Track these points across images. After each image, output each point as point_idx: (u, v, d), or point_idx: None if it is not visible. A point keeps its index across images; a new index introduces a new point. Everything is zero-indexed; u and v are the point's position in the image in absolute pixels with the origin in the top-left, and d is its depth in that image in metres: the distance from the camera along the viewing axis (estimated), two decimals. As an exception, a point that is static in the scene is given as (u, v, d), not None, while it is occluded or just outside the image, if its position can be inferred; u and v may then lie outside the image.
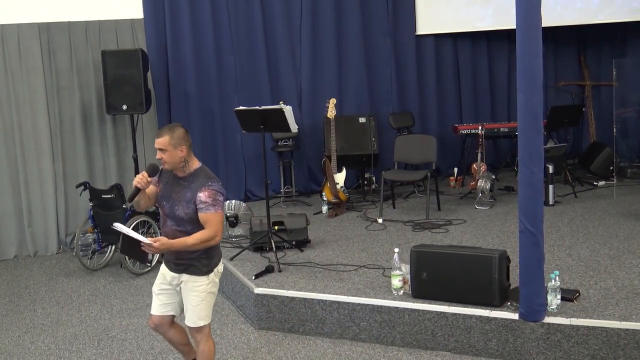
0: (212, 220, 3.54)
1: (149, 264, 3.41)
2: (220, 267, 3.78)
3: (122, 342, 4.93)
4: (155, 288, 3.84)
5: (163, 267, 3.82)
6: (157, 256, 3.48)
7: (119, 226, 3.56)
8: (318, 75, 8.58)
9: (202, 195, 3.52)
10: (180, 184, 3.64)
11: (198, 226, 3.58)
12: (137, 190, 3.61)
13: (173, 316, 3.87)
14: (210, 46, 8.07)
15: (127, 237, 3.59)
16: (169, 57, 7.94)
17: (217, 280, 3.77)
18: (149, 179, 3.62)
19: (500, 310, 4.27)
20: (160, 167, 3.74)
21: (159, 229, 6.73)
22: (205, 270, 3.68)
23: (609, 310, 4.15)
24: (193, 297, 3.68)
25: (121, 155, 7.78)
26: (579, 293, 4.44)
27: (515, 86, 4.02)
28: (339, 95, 8.48)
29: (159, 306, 3.82)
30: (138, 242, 3.51)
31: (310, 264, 5.56)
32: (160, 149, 3.57)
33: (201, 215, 3.54)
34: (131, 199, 3.64)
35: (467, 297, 4.40)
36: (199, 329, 3.73)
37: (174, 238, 3.58)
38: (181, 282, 3.71)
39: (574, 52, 9.83)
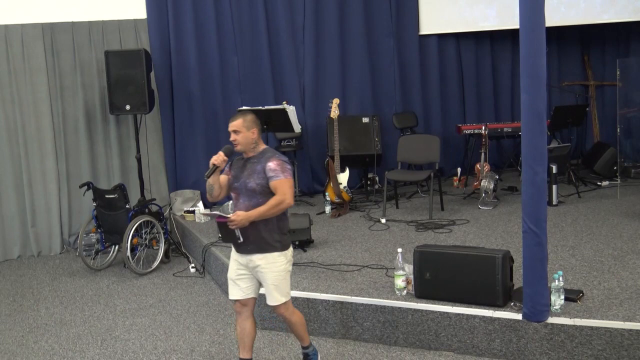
0: (282, 185, 3.81)
1: (239, 240, 3.66)
2: (292, 249, 4.02)
3: (125, 342, 4.94)
4: (231, 275, 4.03)
5: (234, 254, 4.01)
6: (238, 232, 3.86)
7: (202, 212, 3.76)
8: (321, 75, 8.58)
9: (272, 164, 3.83)
10: (251, 162, 3.93)
11: (267, 198, 3.83)
12: (215, 168, 3.87)
13: (255, 298, 4.06)
14: (213, 46, 8.07)
15: (221, 226, 3.85)
16: (172, 57, 7.94)
17: (292, 259, 4.01)
18: (225, 158, 3.89)
19: (504, 311, 4.27)
20: (230, 160, 4.00)
21: (162, 229, 6.77)
22: (281, 247, 3.91)
23: (612, 311, 4.14)
24: (273, 276, 3.90)
25: (124, 155, 7.79)
26: (583, 293, 4.43)
27: (519, 86, 4.02)
28: (342, 95, 8.47)
29: (239, 291, 4.01)
30: (226, 225, 3.77)
31: (313, 264, 5.56)
32: (234, 131, 3.88)
33: (272, 183, 3.82)
34: (208, 175, 3.89)
35: (470, 297, 4.40)
36: (282, 306, 3.97)
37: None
38: (258, 265, 3.89)
39: (577, 52, 9.82)
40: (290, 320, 4.05)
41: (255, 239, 3.86)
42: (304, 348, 4.25)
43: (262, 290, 4.12)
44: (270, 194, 3.83)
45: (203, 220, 7.34)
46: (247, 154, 3.96)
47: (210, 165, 3.88)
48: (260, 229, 3.85)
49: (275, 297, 3.93)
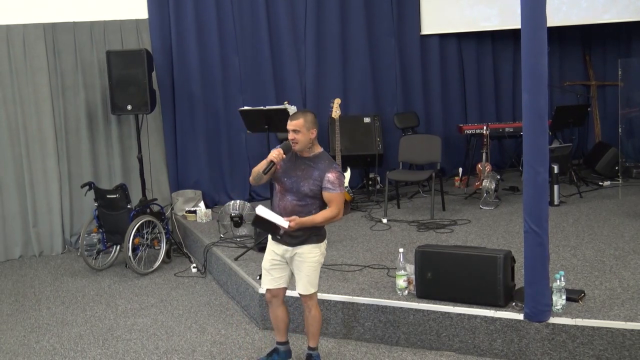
0: (337, 199, 3.93)
1: (278, 237, 4.01)
2: (326, 241, 4.14)
3: (126, 342, 4.94)
4: (265, 264, 4.17)
5: (271, 244, 4.14)
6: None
7: (260, 210, 3.91)
8: (322, 75, 8.58)
9: (331, 176, 3.92)
10: (305, 163, 3.99)
11: (316, 201, 3.97)
12: (273, 165, 3.95)
13: (285, 288, 4.21)
14: (215, 46, 8.08)
15: (262, 220, 3.94)
16: (174, 57, 7.94)
17: (325, 252, 4.14)
18: (284, 155, 3.95)
19: (505, 311, 4.27)
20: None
21: (164, 229, 6.77)
22: (317, 240, 4.04)
23: (614, 311, 4.14)
24: (307, 267, 4.03)
25: (126, 155, 7.79)
26: (584, 293, 4.43)
27: (521, 86, 4.02)
28: (344, 95, 8.47)
29: (272, 280, 4.16)
30: (269, 221, 3.91)
31: (314, 264, 5.56)
32: (295, 130, 3.92)
33: (327, 195, 3.93)
34: (266, 171, 3.96)
35: (471, 298, 4.40)
36: (311, 296, 4.11)
37: (292, 211, 3.95)
38: (295, 254, 4.03)
39: (579, 52, 9.80)
40: (312, 312, 4.15)
41: (295, 231, 3.96)
42: (309, 348, 4.27)
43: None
44: (320, 198, 3.96)
45: (204, 220, 7.35)
46: (302, 153, 4.01)
47: (268, 162, 3.94)
48: (302, 228, 3.96)
49: (306, 287, 4.07)
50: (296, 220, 3.87)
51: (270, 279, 4.16)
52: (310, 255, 4.03)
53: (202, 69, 8.05)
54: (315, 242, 4.03)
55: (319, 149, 4.05)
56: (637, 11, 8.46)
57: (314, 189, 3.92)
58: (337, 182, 3.91)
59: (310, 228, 3.97)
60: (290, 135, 3.94)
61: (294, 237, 4.00)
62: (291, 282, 4.23)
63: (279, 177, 4.04)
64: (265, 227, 4.02)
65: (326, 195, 3.92)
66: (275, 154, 3.92)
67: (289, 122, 3.96)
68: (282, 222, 3.88)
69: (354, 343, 4.68)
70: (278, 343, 4.38)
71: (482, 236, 6.14)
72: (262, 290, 4.26)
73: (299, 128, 3.91)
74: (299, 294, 4.14)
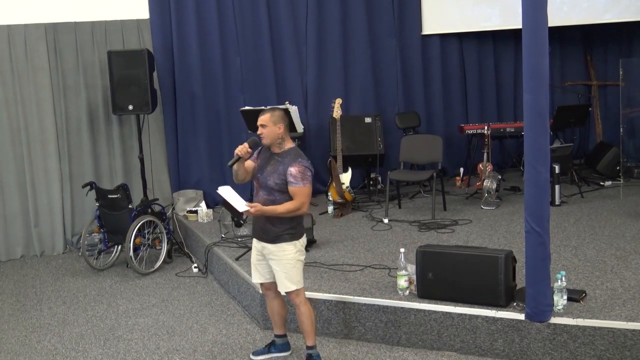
0: (300, 193, 4.00)
1: (242, 222, 4.38)
2: (304, 239, 4.21)
3: (128, 342, 4.94)
4: (252, 260, 4.32)
5: (254, 241, 4.27)
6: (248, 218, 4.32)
7: (223, 190, 4.01)
8: (324, 75, 8.58)
9: (293, 170, 3.99)
10: (275, 159, 4.10)
11: (284, 196, 4.03)
12: (238, 158, 4.06)
13: (275, 282, 4.25)
14: (216, 46, 8.08)
15: (229, 205, 4.04)
16: (175, 57, 7.95)
17: (303, 249, 4.19)
18: (249, 149, 4.06)
19: (507, 311, 4.26)
20: (260, 147, 4.21)
21: (165, 229, 6.77)
22: (290, 238, 4.09)
23: (615, 311, 4.14)
24: (283, 265, 4.11)
25: (127, 155, 7.80)
26: (586, 293, 4.42)
27: (522, 86, 4.02)
28: (345, 95, 8.47)
29: (259, 275, 4.30)
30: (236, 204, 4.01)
31: (315, 264, 5.56)
32: (262, 125, 4.06)
33: (290, 189, 4.01)
34: (231, 165, 4.10)
35: (473, 298, 4.40)
36: (297, 293, 4.16)
37: (264, 205, 4.04)
38: (271, 252, 4.13)
39: (580, 52, 9.80)
40: (300, 309, 4.20)
41: (268, 228, 4.09)
42: (308, 348, 4.29)
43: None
44: (287, 192, 4.02)
45: (205, 220, 7.35)
46: (273, 148, 4.13)
47: (235, 155, 4.05)
48: (273, 221, 4.06)
49: (284, 285, 4.14)
50: (257, 207, 3.97)
51: (258, 274, 4.31)
52: (285, 252, 4.09)
53: (203, 68, 8.05)
54: (289, 240, 4.09)
55: (289, 145, 4.14)
56: (638, 11, 8.45)
57: (279, 183, 4.01)
58: (299, 176, 3.98)
59: (282, 227, 4.05)
60: (259, 130, 4.08)
61: (266, 233, 4.10)
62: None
63: (255, 174, 4.17)
64: (231, 210, 4.10)
65: (290, 189, 4.00)
66: (240, 147, 4.04)
67: (259, 117, 4.11)
68: (242, 206, 3.97)
69: (355, 343, 4.68)
70: (275, 336, 4.50)
71: (483, 236, 6.14)
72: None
73: (266, 123, 4.04)
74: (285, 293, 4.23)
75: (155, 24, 7.83)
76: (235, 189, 4.19)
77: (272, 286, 4.30)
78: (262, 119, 4.06)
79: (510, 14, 8.56)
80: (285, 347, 4.51)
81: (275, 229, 4.07)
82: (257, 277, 4.33)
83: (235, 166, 4.11)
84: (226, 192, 4.05)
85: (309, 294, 4.84)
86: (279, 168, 4.04)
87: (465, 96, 9.33)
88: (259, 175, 4.13)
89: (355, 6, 8.62)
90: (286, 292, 4.19)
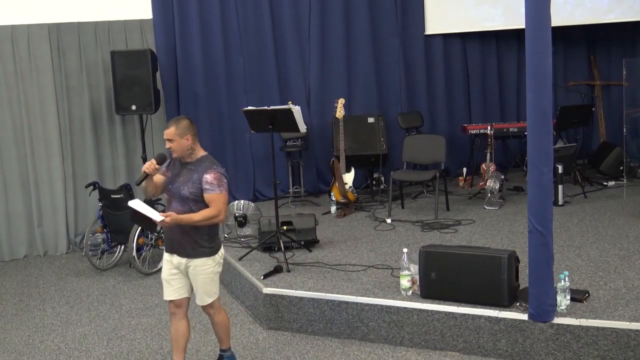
0: (216, 200, 3.90)
1: (156, 233, 3.79)
2: (222, 250, 4.12)
3: (131, 342, 4.95)
4: (164, 275, 4.10)
5: (167, 255, 4.09)
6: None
7: (134, 203, 3.87)
8: (326, 76, 8.58)
9: (209, 177, 3.89)
10: (187, 168, 3.98)
11: (200, 205, 3.91)
12: (145, 176, 3.92)
13: (188, 298, 4.13)
14: (219, 46, 8.09)
15: (139, 216, 3.91)
16: (178, 57, 7.96)
17: (221, 261, 4.11)
18: (157, 166, 3.93)
19: (510, 311, 4.26)
20: (169, 160, 4.10)
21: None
22: (210, 252, 4.00)
23: (618, 311, 4.13)
24: (202, 279, 4.01)
25: (130, 156, 7.81)
26: (589, 294, 4.42)
27: (525, 86, 4.02)
28: (348, 95, 8.48)
29: (173, 292, 4.09)
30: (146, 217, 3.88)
31: (318, 264, 5.56)
32: (168, 139, 3.94)
33: (207, 196, 3.89)
34: (139, 183, 3.97)
35: (476, 298, 4.39)
36: (210, 305, 4.10)
37: None
38: (189, 267, 4.00)
39: (583, 52, 9.78)
40: (214, 319, 4.19)
41: (186, 243, 3.95)
42: (221, 350, 4.32)
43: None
44: (203, 201, 3.90)
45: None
46: (185, 158, 4.00)
47: (142, 173, 3.91)
48: (191, 234, 3.94)
49: (202, 298, 4.07)
50: (172, 216, 3.81)
51: (171, 290, 4.08)
52: (204, 267, 3.99)
53: (206, 69, 8.06)
54: (207, 255, 3.98)
55: (201, 153, 4.02)
56: (641, 11, 8.44)
57: (194, 192, 3.89)
58: (215, 183, 3.88)
59: (199, 239, 3.93)
60: (167, 145, 3.96)
61: (183, 247, 3.97)
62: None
63: (166, 186, 4.03)
64: (143, 223, 4.02)
65: (205, 196, 3.88)
66: (148, 164, 3.90)
67: (164, 131, 3.98)
68: (157, 216, 3.83)
69: (357, 343, 4.68)
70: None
71: (486, 236, 6.13)
72: (199, 301, 4.11)
73: (172, 137, 3.91)
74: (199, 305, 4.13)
75: (158, 24, 7.84)
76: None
77: (183, 302, 4.10)
78: (168, 133, 3.92)
79: (513, 14, 8.56)
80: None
81: (195, 245, 3.94)
82: (169, 294, 4.08)
83: (144, 183, 3.96)
84: (138, 205, 3.88)
85: (311, 294, 4.86)
86: (193, 176, 3.91)
87: (468, 96, 9.32)
88: (171, 187, 3.99)
89: (358, 6, 8.61)
90: (202, 306, 4.11)
